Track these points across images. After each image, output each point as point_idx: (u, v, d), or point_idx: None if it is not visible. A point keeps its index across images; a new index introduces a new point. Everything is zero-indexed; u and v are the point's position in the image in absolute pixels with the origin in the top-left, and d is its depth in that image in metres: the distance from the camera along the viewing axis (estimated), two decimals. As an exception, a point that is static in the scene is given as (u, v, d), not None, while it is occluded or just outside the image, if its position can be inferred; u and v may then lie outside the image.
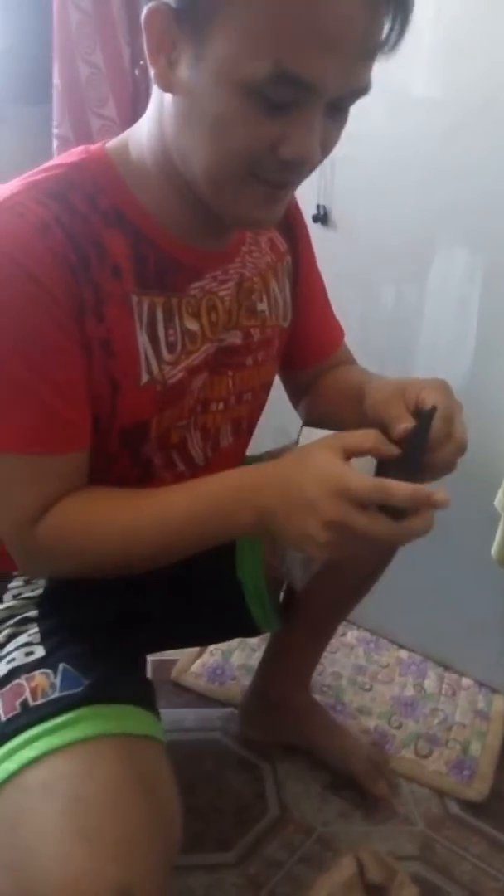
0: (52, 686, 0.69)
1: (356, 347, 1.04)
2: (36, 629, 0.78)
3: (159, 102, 0.69)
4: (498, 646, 1.38)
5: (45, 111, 1.62)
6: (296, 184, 0.71)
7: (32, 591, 0.84)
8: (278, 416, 1.02)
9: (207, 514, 0.71)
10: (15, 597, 0.83)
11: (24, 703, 0.68)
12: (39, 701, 0.68)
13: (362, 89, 0.64)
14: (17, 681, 0.70)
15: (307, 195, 1.18)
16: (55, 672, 0.71)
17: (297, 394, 1.03)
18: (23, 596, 0.83)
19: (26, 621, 0.79)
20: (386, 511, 0.62)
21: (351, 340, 1.04)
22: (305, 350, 0.99)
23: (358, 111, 0.68)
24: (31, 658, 0.73)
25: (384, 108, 1.18)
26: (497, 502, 1.12)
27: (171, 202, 0.73)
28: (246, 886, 1.02)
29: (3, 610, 0.81)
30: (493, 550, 1.14)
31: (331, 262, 1.01)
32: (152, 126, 0.71)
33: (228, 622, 1.01)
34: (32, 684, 0.69)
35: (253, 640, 1.46)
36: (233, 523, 0.70)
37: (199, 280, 0.78)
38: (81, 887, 0.54)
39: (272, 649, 1.22)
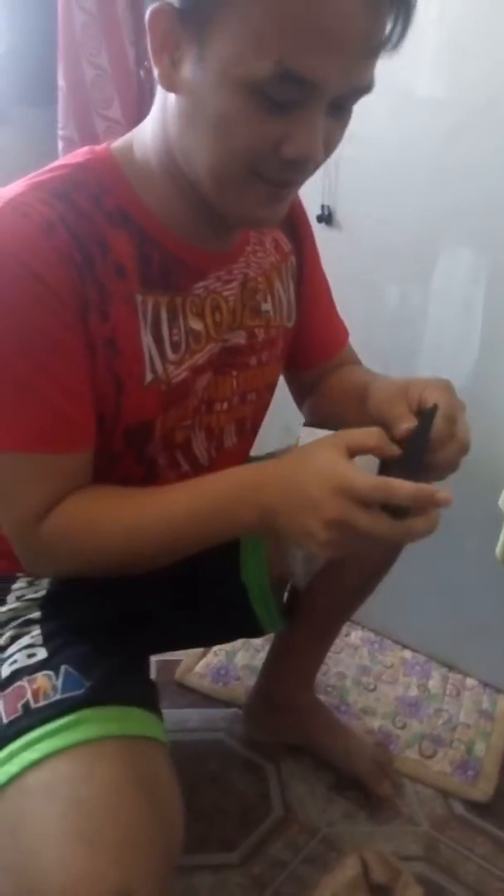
0: (54, 688, 0.69)
1: (360, 347, 1.04)
2: (38, 631, 0.78)
3: (163, 102, 0.69)
4: (502, 646, 1.38)
5: (49, 113, 1.62)
6: (299, 183, 0.71)
7: (36, 592, 0.84)
8: (283, 416, 1.02)
9: (210, 512, 0.71)
10: (18, 598, 0.83)
11: (26, 705, 0.67)
12: (41, 703, 0.67)
13: (365, 88, 0.64)
14: (19, 683, 0.70)
15: (311, 195, 1.18)
16: (57, 674, 0.71)
17: (301, 394, 1.03)
18: (26, 598, 0.83)
19: (29, 623, 0.79)
20: (389, 510, 0.62)
21: (355, 340, 1.04)
22: (310, 350, 0.99)
23: (362, 111, 0.68)
24: (34, 660, 0.73)
25: (388, 109, 1.18)
26: (501, 502, 1.12)
27: (176, 202, 0.73)
28: (250, 887, 1.02)
29: (6, 612, 0.81)
30: (498, 550, 1.14)
31: (335, 262, 1.01)
32: (156, 126, 0.71)
33: (232, 623, 1.01)
34: (34, 686, 0.69)
35: (257, 641, 1.45)
36: (235, 521, 0.70)
37: (203, 280, 0.78)
38: (82, 890, 0.54)
39: (276, 650, 1.22)
